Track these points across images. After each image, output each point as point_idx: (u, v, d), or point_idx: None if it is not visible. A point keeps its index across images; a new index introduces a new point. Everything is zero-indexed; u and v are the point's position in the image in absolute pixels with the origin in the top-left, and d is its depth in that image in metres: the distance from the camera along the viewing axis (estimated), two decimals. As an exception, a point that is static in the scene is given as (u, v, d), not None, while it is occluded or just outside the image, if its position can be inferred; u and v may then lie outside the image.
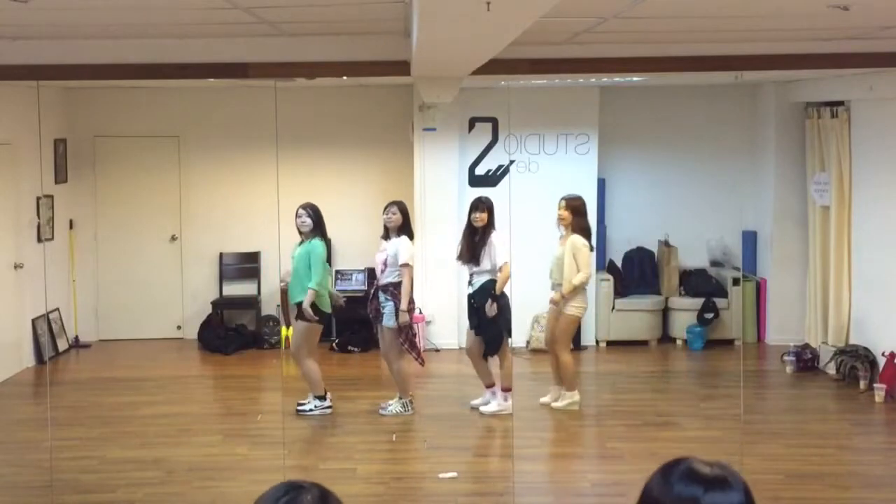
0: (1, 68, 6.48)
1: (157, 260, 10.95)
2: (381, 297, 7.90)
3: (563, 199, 8.12)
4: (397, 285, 7.85)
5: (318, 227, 8.01)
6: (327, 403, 8.09)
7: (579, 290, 7.95)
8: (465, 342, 8.35)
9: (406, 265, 7.81)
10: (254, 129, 10.47)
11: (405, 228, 7.94)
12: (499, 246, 7.89)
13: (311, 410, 8.02)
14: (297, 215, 8.02)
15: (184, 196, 10.92)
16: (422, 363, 8.26)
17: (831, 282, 9.47)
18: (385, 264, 7.89)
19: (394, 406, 8.01)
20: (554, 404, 8.11)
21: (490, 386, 8.13)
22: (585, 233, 8.04)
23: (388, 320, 7.86)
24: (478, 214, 7.99)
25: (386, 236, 7.99)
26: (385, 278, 7.90)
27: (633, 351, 10.01)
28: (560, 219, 8.05)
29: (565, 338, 8.09)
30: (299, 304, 7.86)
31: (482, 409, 8.10)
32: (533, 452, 7.10)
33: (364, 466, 6.88)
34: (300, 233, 8.05)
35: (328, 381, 8.20)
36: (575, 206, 8.01)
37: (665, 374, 9.66)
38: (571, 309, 7.99)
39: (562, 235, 8.10)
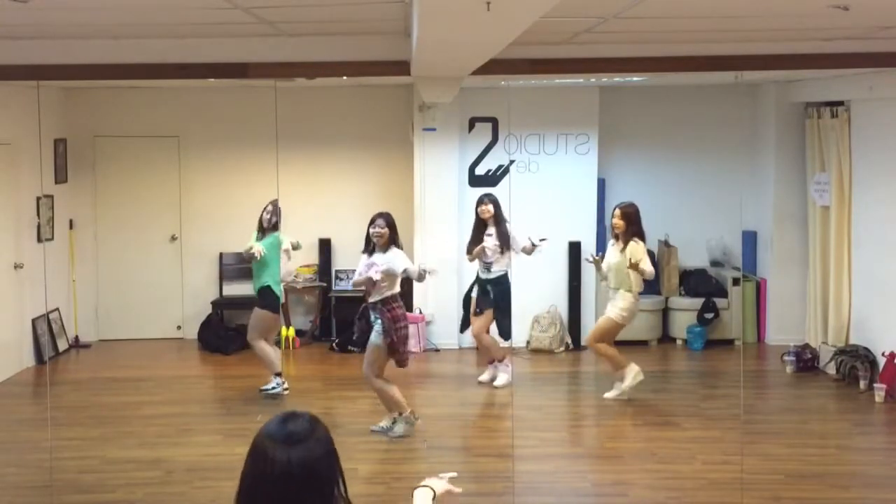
0: (1, 68, 6.48)
1: (157, 260, 10.96)
2: (372, 315, 7.33)
3: (617, 206, 8.40)
4: (386, 301, 7.25)
5: (279, 223, 8.49)
6: (282, 380, 8.43)
7: (632, 293, 8.22)
8: (473, 328, 8.84)
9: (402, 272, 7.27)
10: (254, 129, 10.48)
11: (394, 241, 7.34)
12: (517, 236, 8.68)
13: (274, 388, 8.34)
14: (265, 210, 8.38)
15: (184, 196, 10.92)
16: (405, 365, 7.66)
17: (831, 282, 9.47)
18: (376, 280, 7.23)
19: (398, 426, 7.46)
20: (608, 394, 8.41)
21: (502, 359, 8.79)
22: (641, 238, 8.28)
23: (377, 338, 7.28)
24: (483, 207, 8.68)
25: (370, 251, 7.39)
26: (376, 295, 7.29)
27: (633, 351, 9.98)
28: (615, 227, 8.29)
29: (598, 333, 8.40)
30: (261, 290, 8.29)
31: (497, 384, 8.75)
32: (533, 452, 7.09)
33: (364, 466, 6.87)
34: (262, 226, 8.38)
35: (329, 381, 8.19)
36: (628, 213, 8.24)
37: (665, 374, 9.65)
38: (613, 311, 8.29)
39: (613, 243, 8.37)
